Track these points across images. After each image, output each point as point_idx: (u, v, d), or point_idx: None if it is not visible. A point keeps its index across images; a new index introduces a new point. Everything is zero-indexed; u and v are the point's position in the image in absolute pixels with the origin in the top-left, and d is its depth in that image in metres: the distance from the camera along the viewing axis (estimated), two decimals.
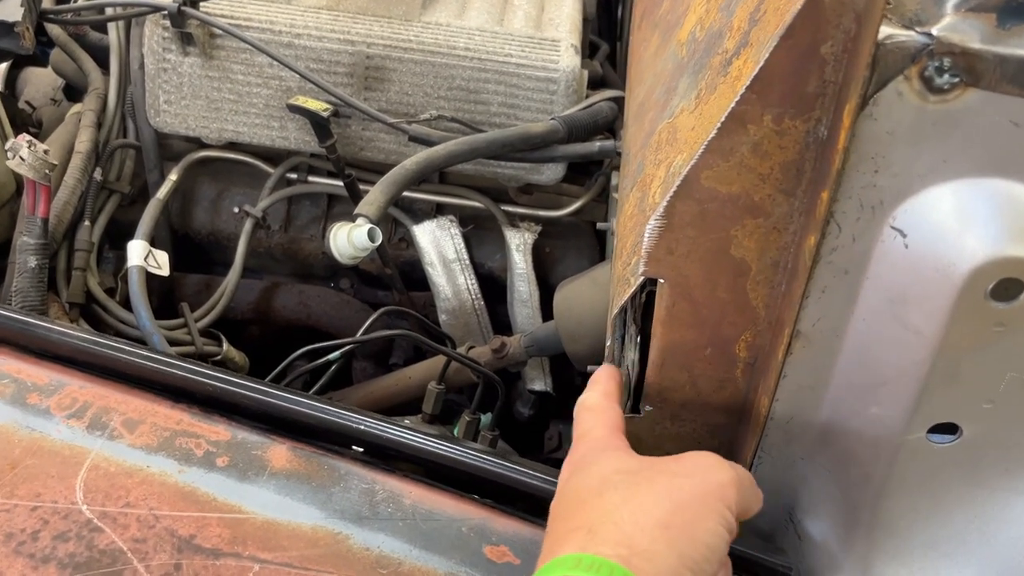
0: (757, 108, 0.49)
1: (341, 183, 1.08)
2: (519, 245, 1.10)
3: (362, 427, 0.68)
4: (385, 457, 0.69)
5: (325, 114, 0.97)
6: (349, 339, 0.96)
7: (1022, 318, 0.48)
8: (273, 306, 1.17)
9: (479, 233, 1.16)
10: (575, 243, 1.16)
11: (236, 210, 1.15)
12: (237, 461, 0.66)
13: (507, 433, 1.17)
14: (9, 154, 0.81)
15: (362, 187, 1.05)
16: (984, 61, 0.43)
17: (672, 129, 0.67)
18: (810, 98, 0.47)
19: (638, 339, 0.67)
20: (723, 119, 0.50)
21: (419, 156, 0.91)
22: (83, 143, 1.01)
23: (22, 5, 0.98)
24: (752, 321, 0.59)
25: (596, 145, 0.98)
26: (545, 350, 1.06)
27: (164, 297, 1.14)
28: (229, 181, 1.17)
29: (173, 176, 1.08)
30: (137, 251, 0.99)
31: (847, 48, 0.45)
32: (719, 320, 0.59)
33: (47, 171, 0.83)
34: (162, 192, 1.06)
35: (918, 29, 0.44)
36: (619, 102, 1.04)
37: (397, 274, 1.15)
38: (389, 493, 0.65)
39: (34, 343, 0.73)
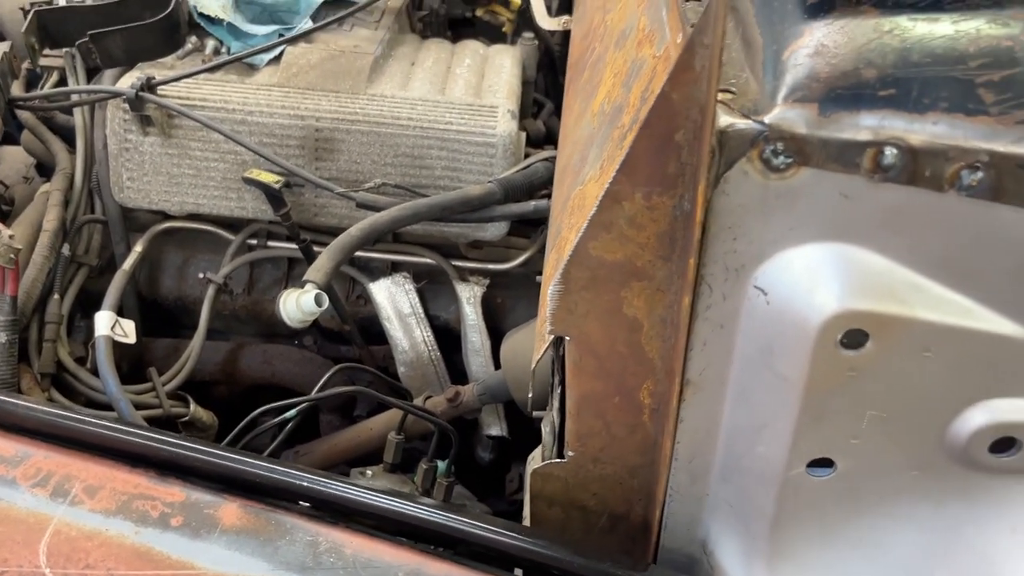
0: (628, 187, 0.55)
1: (297, 247, 1.14)
2: (469, 298, 1.16)
3: (305, 483, 0.73)
4: (329, 511, 0.74)
5: (277, 186, 1.03)
6: (304, 397, 1.01)
7: (871, 364, 0.54)
8: (239, 366, 1.22)
9: (433, 288, 1.22)
10: (525, 293, 1.22)
11: (201, 276, 1.21)
12: (190, 520, 0.71)
13: (470, 477, 1.22)
14: None
15: (317, 250, 1.11)
16: (811, 144, 0.50)
17: (582, 196, 0.73)
18: (672, 178, 0.54)
19: (559, 390, 0.73)
20: (601, 197, 0.56)
21: (364, 223, 0.97)
22: (50, 221, 1.07)
23: None
24: (651, 371, 0.65)
25: (531, 205, 1.04)
26: (497, 397, 1.12)
27: (135, 362, 1.19)
28: (194, 249, 1.23)
29: (138, 247, 1.14)
30: (104, 321, 1.04)
31: (696, 135, 0.52)
32: (622, 371, 0.65)
33: (12, 256, 0.88)
34: (128, 263, 1.12)
35: (754, 118, 0.51)
36: (555, 161, 1.11)
37: (356, 330, 1.21)
38: (331, 544, 0.70)
39: (1, 417, 0.79)
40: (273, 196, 1.07)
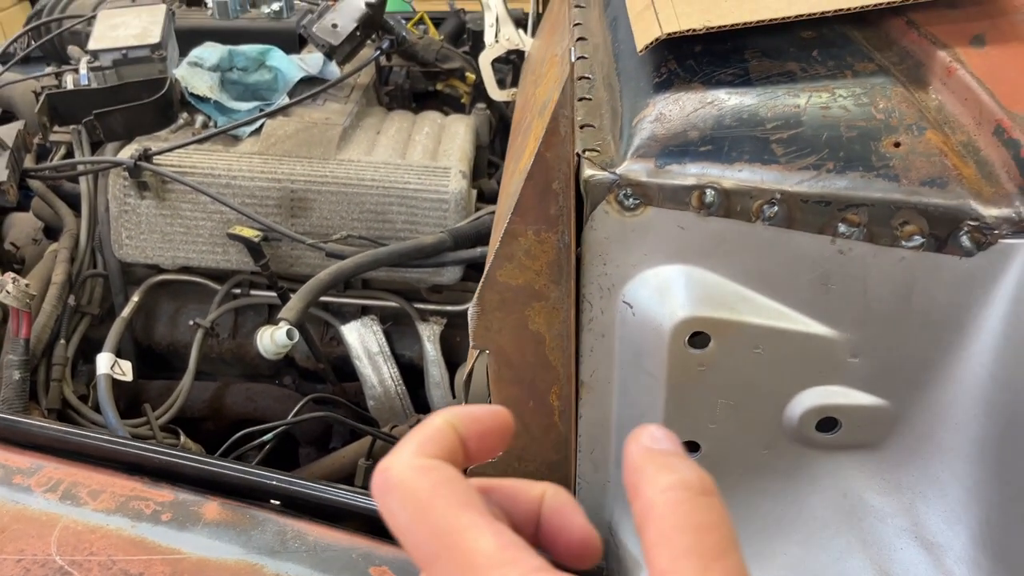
0: (522, 226, 0.70)
1: (276, 294, 1.29)
2: (429, 336, 1.30)
3: (274, 483, 0.87)
4: (295, 507, 0.87)
5: (257, 240, 1.19)
6: (280, 422, 1.15)
7: (715, 360, 0.69)
8: (224, 403, 1.35)
9: (398, 328, 1.36)
10: None
11: (191, 323, 1.35)
12: (178, 516, 0.84)
13: None
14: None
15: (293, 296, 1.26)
16: (651, 189, 0.65)
17: None
18: (553, 218, 0.69)
19: (489, 400, 0.87)
20: (502, 234, 0.72)
21: (331, 268, 1.12)
22: (58, 275, 1.22)
23: (7, 167, 1.20)
24: (556, 377, 0.79)
25: (478, 251, 1.20)
26: None
27: (131, 401, 1.33)
28: (184, 299, 1.38)
29: (135, 298, 1.29)
30: (104, 361, 1.18)
31: (567, 184, 0.67)
32: (533, 378, 0.80)
33: (28, 301, 1.03)
34: (126, 312, 1.27)
35: (609, 170, 0.66)
36: None
37: (329, 368, 1.35)
38: (297, 532, 0.84)
39: (18, 436, 0.92)
40: (254, 249, 1.22)
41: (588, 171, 0.66)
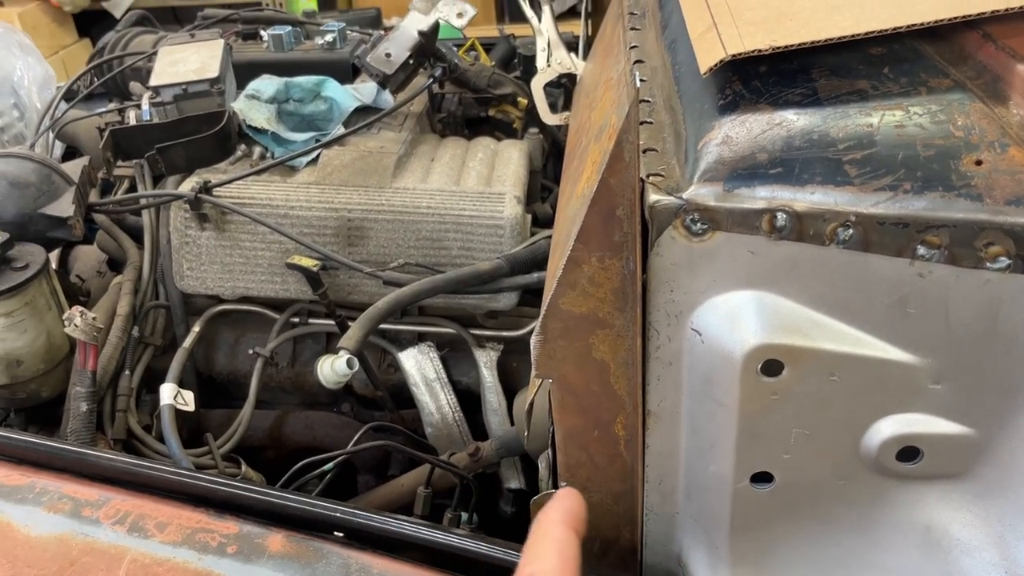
0: (585, 253, 0.69)
1: (334, 323, 1.30)
2: (486, 362, 1.29)
3: (339, 515, 0.86)
4: (359, 538, 0.87)
5: (315, 269, 1.20)
6: (340, 451, 1.15)
7: (789, 388, 0.67)
8: (284, 432, 1.36)
9: (454, 355, 1.36)
10: None
11: (251, 352, 1.37)
12: (243, 548, 0.84)
13: (495, 531, 1.33)
14: (66, 322, 1.04)
15: (350, 324, 1.27)
16: (719, 213, 0.64)
17: None
18: (617, 244, 0.68)
19: (550, 428, 0.86)
20: (564, 261, 0.71)
21: (389, 297, 1.12)
22: (123, 307, 1.24)
23: (73, 202, 1.23)
24: (621, 406, 0.77)
25: (535, 276, 1.19)
26: (512, 451, 1.24)
27: (193, 430, 1.34)
28: (244, 328, 1.39)
29: (196, 328, 1.31)
30: (167, 392, 1.20)
31: (632, 210, 0.66)
32: (597, 407, 0.78)
33: (95, 334, 1.05)
34: (187, 342, 1.29)
35: (675, 195, 0.65)
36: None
37: (388, 395, 1.35)
38: (361, 565, 0.83)
39: (86, 469, 0.94)
40: (312, 278, 1.23)
41: (653, 196, 0.65)
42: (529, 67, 1.61)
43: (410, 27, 1.36)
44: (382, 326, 1.33)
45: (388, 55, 1.34)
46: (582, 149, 1.11)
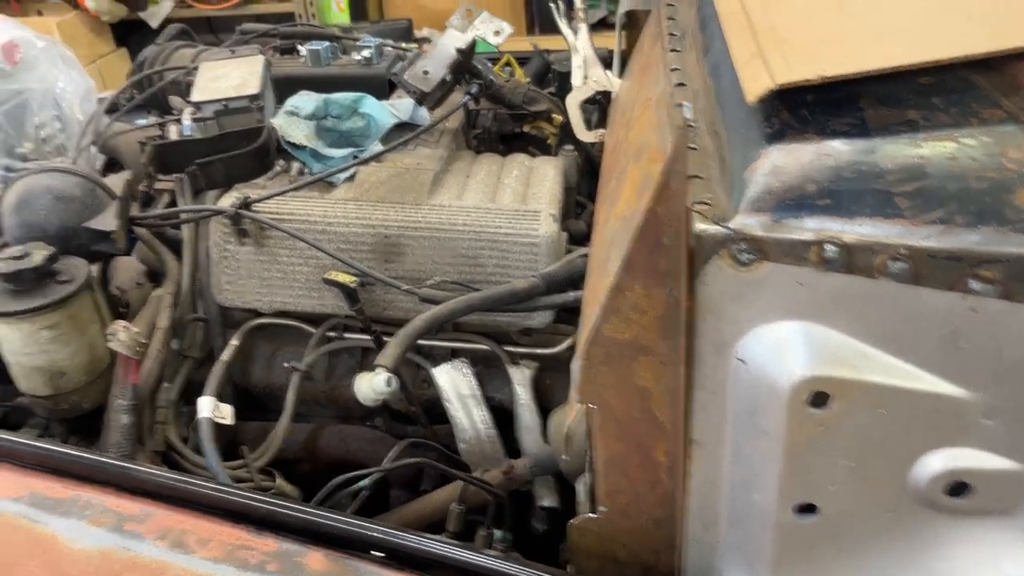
0: (630, 280, 0.69)
1: (370, 338, 1.30)
2: (520, 380, 1.29)
3: (377, 535, 0.87)
4: (397, 558, 0.87)
5: (353, 285, 1.20)
6: (376, 468, 1.15)
7: (836, 420, 0.66)
8: (318, 445, 1.37)
9: (488, 371, 1.36)
10: (569, 375, 1.35)
11: (286, 365, 1.38)
12: (283, 566, 0.85)
13: (527, 547, 1.33)
14: (109, 337, 1.05)
15: (386, 339, 1.27)
16: (768, 244, 0.63)
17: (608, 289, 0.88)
18: (662, 273, 0.68)
19: (590, 453, 0.86)
20: (609, 289, 0.71)
21: (426, 314, 1.13)
22: (163, 321, 1.26)
23: (117, 216, 1.25)
24: (663, 433, 0.77)
25: (571, 295, 1.19)
26: (546, 468, 1.24)
27: (229, 442, 1.35)
28: (280, 342, 1.40)
29: (234, 341, 1.32)
30: (206, 405, 1.21)
31: (678, 239, 0.66)
32: (639, 434, 0.78)
33: (138, 348, 1.06)
34: (226, 355, 1.30)
35: (722, 224, 0.65)
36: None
37: (421, 411, 1.36)
38: None
39: (128, 482, 0.95)
40: (349, 294, 1.23)
41: (700, 225, 0.65)
42: (564, 83, 1.60)
43: (448, 45, 1.37)
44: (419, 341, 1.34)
45: (426, 72, 1.35)
46: (620, 169, 1.11)
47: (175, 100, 1.61)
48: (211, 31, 4.52)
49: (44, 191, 1.24)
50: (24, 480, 0.97)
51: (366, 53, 1.60)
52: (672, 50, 1.03)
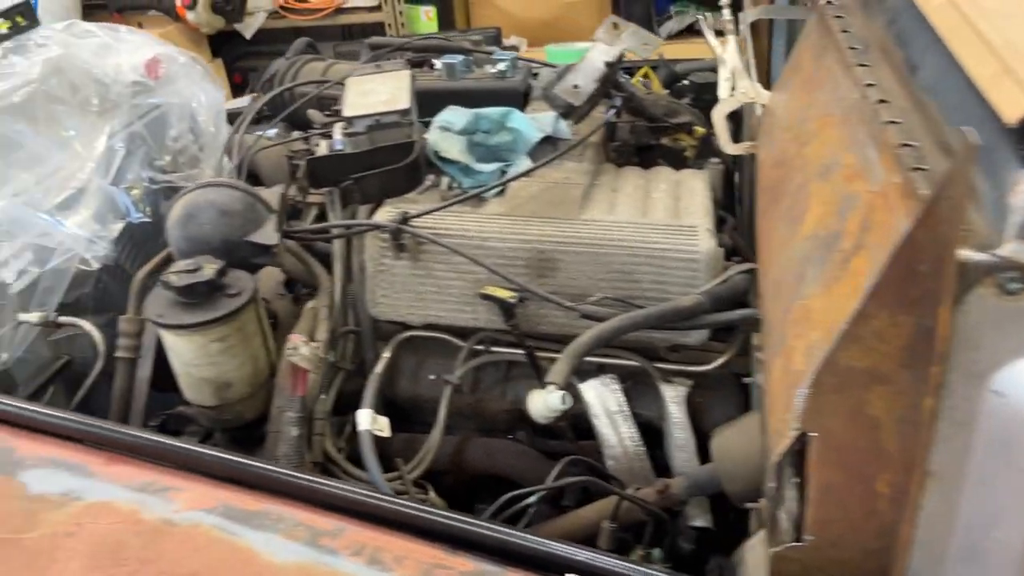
0: (876, 308, 0.67)
1: (519, 351, 1.30)
2: (674, 397, 1.28)
3: (580, 557, 0.86)
4: None
5: (513, 301, 1.20)
6: (543, 486, 1.14)
7: None
8: (465, 458, 1.37)
9: (635, 388, 1.34)
10: (722, 393, 1.33)
11: (432, 377, 1.39)
12: None
13: (670, 568, 1.31)
14: (290, 351, 1.07)
15: (539, 354, 1.28)
16: None
17: (805, 309, 0.86)
18: (915, 300, 0.65)
19: (796, 480, 0.83)
20: (852, 315, 0.68)
21: (592, 331, 1.12)
22: (322, 334, 1.28)
23: (276, 230, 1.27)
24: (888, 463, 0.74)
25: (737, 314, 1.17)
26: (704, 490, 1.22)
27: (379, 453, 1.37)
28: (424, 354, 1.41)
29: (386, 353, 1.33)
30: (365, 418, 1.22)
31: (938, 267, 0.63)
32: (860, 463, 0.75)
33: (318, 362, 1.08)
34: (379, 367, 1.31)
35: (988, 252, 0.62)
36: (751, 273, 1.23)
37: (568, 426, 1.35)
38: None
39: (317, 497, 0.96)
40: (506, 309, 1.23)
41: (963, 252, 0.62)
42: (701, 94, 1.59)
43: (596, 58, 1.36)
44: (552, 355, 1.34)
45: (576, 86, 1.34)
46: (796, 186, 1.09)
47: (314, 114, 1.64)
48: None
49: (208, 205, 1.27)
50: (215, 492, 0.99)
51: (501, 66, 1.60)
52: (860, 65, 1.00)
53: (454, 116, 1.37)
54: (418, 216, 1.27)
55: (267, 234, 1.26)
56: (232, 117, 1.90)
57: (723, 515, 1.31)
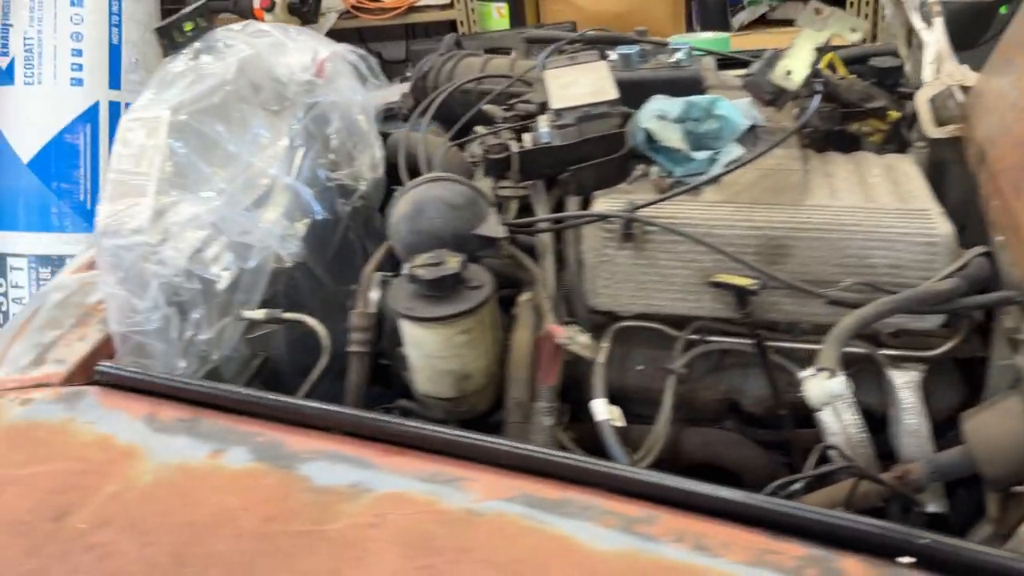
0: None
1: (739, 340, 1.30)
2: (907, 383, 1.27)
3: (906, 539, 0.85)
4: (929, 564, 0.85)
5: (755, 287, 1.20)
6: (804, 474, 1.14)
7: None
8: (682, 448, 1.37)
9: (855, 373, 1.33)
10: (944, 378, 1.32)
11: (640, 368, 1.39)
12: (820, 571, 0.84)
13: None
14: (566, 340, 1.07)
15: (768, 344, 1.27)
16: None
17: None
18: None
19: None
20: None
21: (854, 316, 1.11)
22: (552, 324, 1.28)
23: (501, 223, 1.28)
24: None
25: (994, 296, 1.15)
26: (948, 475, 1.21)
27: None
28: (631, 344, 1.41)
29: (605, 343, 1.33)
30: (601, 408, 1.23)
31: None
32: None
33: (595, 350, 1.08)
34: (601, 357, 1.31)
35: None
36: (988, 256, 1.22)
37: (789, 414, 1.34)
38: None
39: (613, 482, 0.96)
40: (741, 297, 1.23)
41: None
42: (885, 78, 1.57)
43: (807, 43, 1.35)
44: (778, 343, 1.33)
45: (789, 73, 1.34)
46: None
47: (492, 109, 1.64)
48: (361, 40, 4.61)
49: (437, 200, 1.27)
50: (509, 481, 0.99)
51: (679, 55, 1.60)
52: None
53: (666, 105, 1.37)
54: (646, 205, 1.27)
55: (493, 227, 1.27)
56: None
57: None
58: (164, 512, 1.02)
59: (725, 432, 1.39)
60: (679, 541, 0.89)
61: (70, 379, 1.31)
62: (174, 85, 1.47)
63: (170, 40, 1.52)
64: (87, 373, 1.35)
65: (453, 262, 1.17)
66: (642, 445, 1.29)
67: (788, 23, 3.97)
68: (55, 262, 3.53)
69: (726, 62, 1.87)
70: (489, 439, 1.02)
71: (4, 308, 3.56)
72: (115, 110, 3.67)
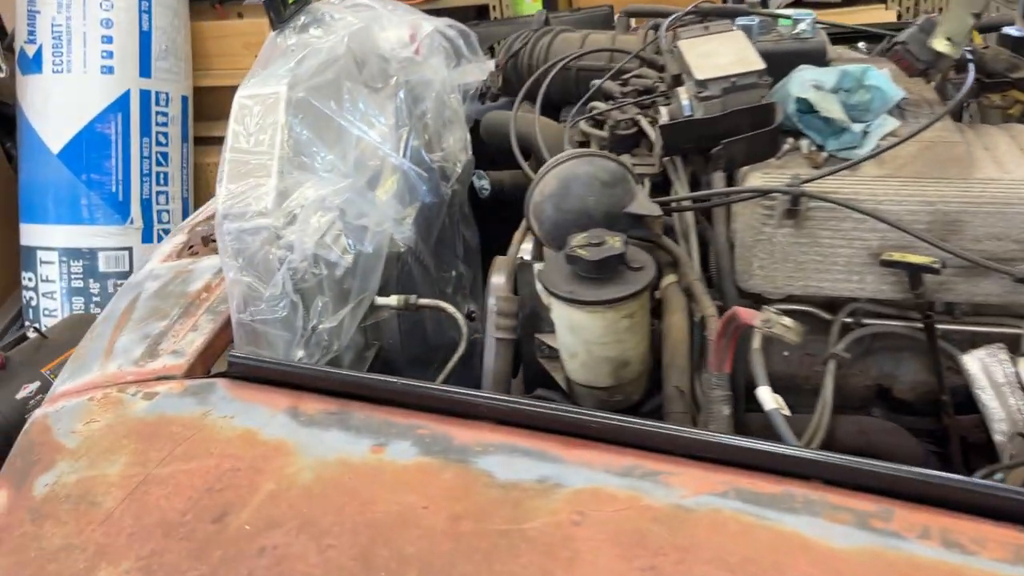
0: None
1: (894, 323, 1.24)
2: None
3: None
4: None
5: (937, 265, 1.13)
6: (1001, 464, 1.07)
7: None
8: (837, 436, 1.30)
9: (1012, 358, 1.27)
10: None
11: (785, 354, 1.32)
12: None
13: None
14: (771, 323, 0.99)
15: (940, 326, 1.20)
16: None
17: None
18: None
19: None
20: None
21: None
22: (709, 308, 1.20)
23: (652, 200, 1.20)
24: None
25: None
26: None
27: None
28: None
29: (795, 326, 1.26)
30: (768, 396, 1.15)
31: None
32: None
33: (800, 334, 1.01)
34: (756, 343, 1.24)
35: None
36: None
37: (950, 400, 1.27)
38: None
39: (845, 476, 0.89)
40: (914, 275, 1.16)
41: None
42: (1018, 48, 1.50)
43: (963, 7, 1.28)
44: (939, 326, 1.26)
45: (949, 39, 1.26)
46: None
47: (611, 86, 1.56)
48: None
49: (587, 177, 1.20)
50: (714, 475, 0.92)
51: (803, 26, 1.52)
52: None
53: (820, 74, 1.29)
54: (810, 181, 1.19)
55: (646, 204, 1.19)
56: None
57: None
58: (337, 511, 0.95)
59: (879, 420, 1.32)
60: (924, 537, 0.82)
61: (191, 371, 1.23)
62: (285, 60, 1.38)
63: (276, 12, 1.44)
64: (206, 364, 1.28)
65: (616, 242, 1.09)
66: (802, 434, 1.22)
67: (826, 5, 3.91)
68: (86, 255, 3.44)
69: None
70: (691, 431, 0.95)
71: (35, 303, 3.47)
72: (145, 98, 3.58)
